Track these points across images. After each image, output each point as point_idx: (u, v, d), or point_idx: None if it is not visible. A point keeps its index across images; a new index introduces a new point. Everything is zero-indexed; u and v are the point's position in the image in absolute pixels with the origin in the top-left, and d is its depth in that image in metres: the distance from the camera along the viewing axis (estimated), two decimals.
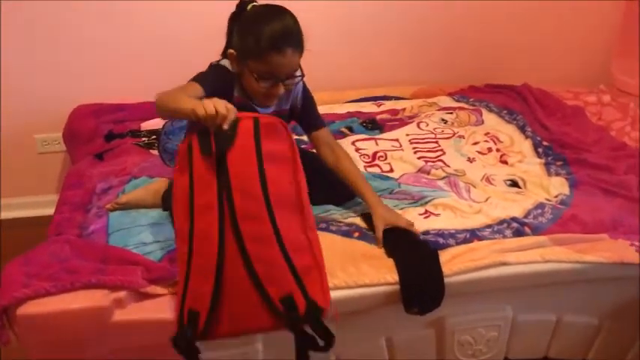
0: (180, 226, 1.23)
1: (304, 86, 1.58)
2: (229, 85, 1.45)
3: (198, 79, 1.37)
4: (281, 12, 1.39)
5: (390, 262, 1.45)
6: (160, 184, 1.65)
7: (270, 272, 1.17)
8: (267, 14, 1.38)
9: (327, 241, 1.48)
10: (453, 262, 1.45)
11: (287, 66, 1.39)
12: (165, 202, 1.59)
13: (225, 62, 1.47)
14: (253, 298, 1.16)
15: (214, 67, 1.46)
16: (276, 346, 1.40)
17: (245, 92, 1.47)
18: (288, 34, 1.36)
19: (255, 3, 1.43)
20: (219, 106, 1.16)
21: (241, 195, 1.17)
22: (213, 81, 1.39)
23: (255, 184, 1.18)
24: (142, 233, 1.50)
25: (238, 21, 1.42)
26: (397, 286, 1.39)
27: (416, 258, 1.46)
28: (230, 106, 1.18)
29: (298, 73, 1.45)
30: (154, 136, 2.04)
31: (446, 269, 1.43)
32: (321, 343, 1.17)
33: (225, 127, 1.17)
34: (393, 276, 1.40)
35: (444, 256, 1.47)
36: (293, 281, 1.18)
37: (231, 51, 1.42)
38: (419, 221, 1.61)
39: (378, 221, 1.51)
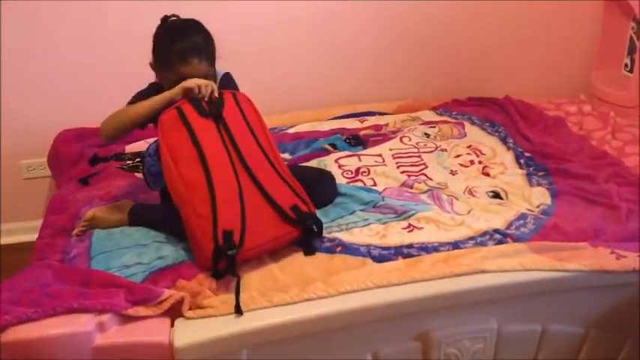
0: (188, 175, 1.48)
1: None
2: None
3: (135, 98, 1.63)
4: (190, 27, 1.60)
5: (373, 268, 1.49)
6: (126, 202, 1.72)
7: (277, 192, 1.54)
8: (178, 29, 1.60)
9: (310, 257, 1.53)
10: (432, 268, 1.47)
11: (195, 75, 1.56)
12: (132, 217, 1.65)
13: None
14: (271, 212, 1.51)
15: (149, 85, 1.68)
16: (260, 357, 1.40)
17: None
18: (194, 47, 1.57)
19: (174, 18, 1.63)
20: (204, 81, 1.52)
21: (241, 141, 1.54)
22: (147, 95, 1.60)
23: (248, 134, 1.58)
24: (125, 256, 1.50)
25: (155, 35, 1.62)
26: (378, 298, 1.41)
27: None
28: (209, 81, 1.54)
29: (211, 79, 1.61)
30: (139, 159, 2.05)
31: (424, 274, 1.44)
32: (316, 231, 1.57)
33: (216, 94, 1.54)
34: (374, 281, 1.42)
35: (423, 261, 1.49)
36: (294, 195, 1.57)
37: (150, 62, 1.63)
38: (403, 235, 1.63)
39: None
